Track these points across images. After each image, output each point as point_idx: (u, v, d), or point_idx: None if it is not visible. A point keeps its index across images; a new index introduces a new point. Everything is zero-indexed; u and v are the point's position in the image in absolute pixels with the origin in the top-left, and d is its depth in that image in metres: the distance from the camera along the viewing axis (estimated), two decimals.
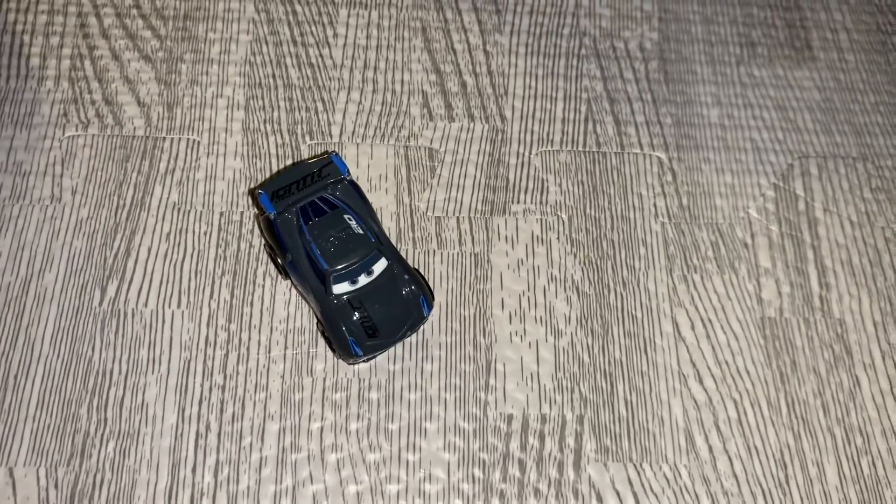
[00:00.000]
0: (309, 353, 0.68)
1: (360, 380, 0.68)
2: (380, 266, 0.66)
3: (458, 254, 0.73)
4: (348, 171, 0.68)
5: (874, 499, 0.67)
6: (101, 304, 0.69)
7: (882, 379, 0.71)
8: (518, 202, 0.76)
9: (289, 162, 0.75)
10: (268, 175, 0.75)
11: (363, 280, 0.65)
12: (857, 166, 0.80)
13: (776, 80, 0.84)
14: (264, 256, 0.72)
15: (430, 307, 0.67)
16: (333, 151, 0.69)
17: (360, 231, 0.65)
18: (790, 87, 0.83)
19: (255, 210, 0.73)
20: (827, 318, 0.73)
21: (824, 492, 0.67)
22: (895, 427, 0.69)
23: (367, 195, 0.74)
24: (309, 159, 0.69)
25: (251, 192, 0.73)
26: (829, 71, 0.85)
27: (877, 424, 0.69)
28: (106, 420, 0.65)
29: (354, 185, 0.68)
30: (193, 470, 0.64)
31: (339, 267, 0.64)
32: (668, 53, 0.84)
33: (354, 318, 0.65)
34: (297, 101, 0.78)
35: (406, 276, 0.66)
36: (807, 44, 0.86)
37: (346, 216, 0.66)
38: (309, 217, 0.65)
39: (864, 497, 0.67)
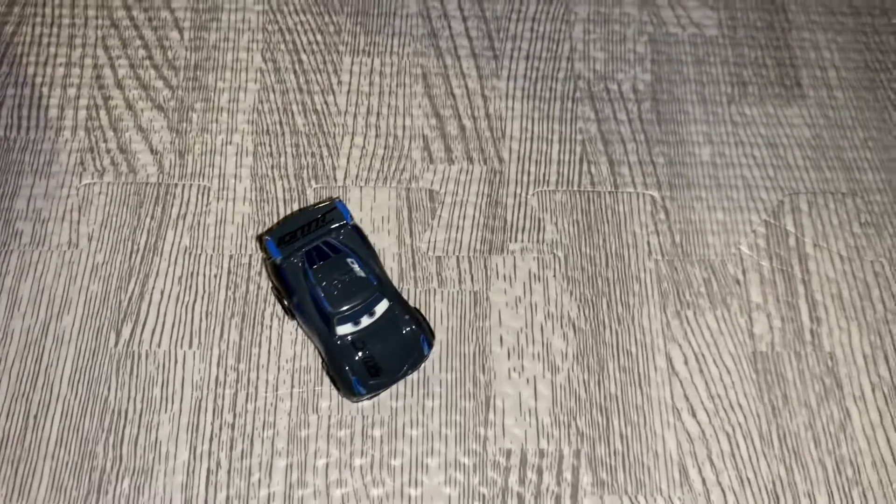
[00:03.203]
0: (314, 391, 0.71)
1: (363, 417, 0.71)
2: (381, 307, 0.69)
3: (457, 292, 0.76)
4: (351, 216, 0.71)
5: None
6: (116, 345, 0.72)
7: (872, 411, 0.73)
8: (516, 241, 0.78)
9: (295, 206, 0.79)
10: (275, 219, 0.78)
11: (365, 321, 0.68)
12: (847, 202, 0.82)
13: (767, 118, 0.86)
14: (272, 298, 0.75)
15: (431, 346, 0.70)
16: (337, 198, 0.72)
17: (363, 274, 0.68)
18: (780, 125, 0.86)
19: (263, 254, 0.76)
20: (818, 351, 0.75)
21: None
22: (885, 458, 0.71)
23: (370, 236, 0.77)
24: (314, 205, 0.72)
25: (259, 239, 0.77)
26: (819, 108, 0.87)
27: (867, 456, 0.71)
28: (121, 457, 0.68)
29: (357, 230, 0.71)
30: None
31: (343, 309, 0.67)
32: (661, 94, 0.87)
33: (357, 357, 0.68)
34: (304, 147, 0.82)
35: (406, 317, 0.69)
36: (797, 82, 0.88)
37: (349, 260, 0.69)
38: (314, 261, 0.68)
39: None
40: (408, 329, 0.69)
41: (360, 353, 0.68)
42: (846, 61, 0.90)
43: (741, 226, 0.80)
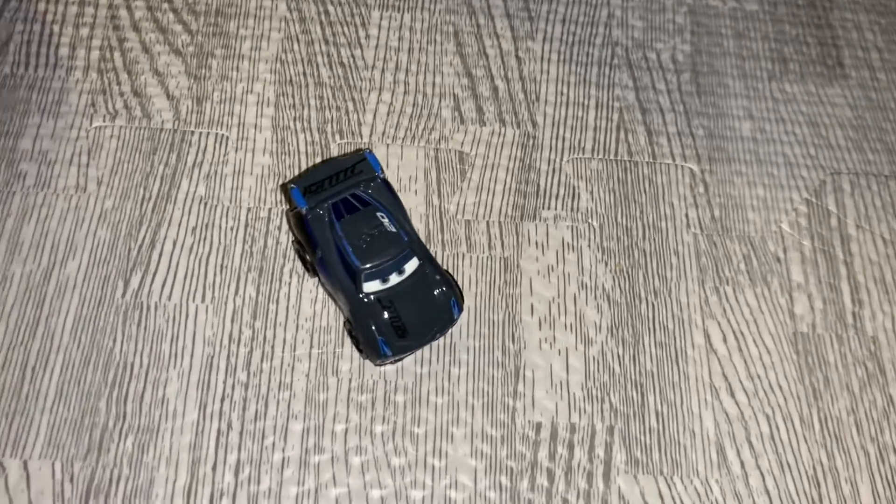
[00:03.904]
0: (335, 352, 0.67)
1: (385, 382, 0.66)
2: (411, 265, 0.65)
3: (487, 258, 0.72)
4: (382, 169, 0.67)
5: None
6: (123, 295, 0.68)
7: None
8: (549, 208, 0.75)
9: (318, 160, 0.75)
10: (297, 172, 0.74)
11: (394, 279, 0.64)
12: (890, 184, 0.79)
13: (808, 96, 0.83)
14: (291, 254, 0.70)
15: (461, 310, 0.66)
16: (367, 149, 0.68)
17: (393, 229, 0.64)
18: (822, 104, 0.83)
19: (285, 206, 0.72)
20: (860, 335, 0.72)
21: None
22: None
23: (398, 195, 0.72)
24: (342, 156, 0.68)
25: (283, 187, 0.72)
26: (861, 89, 0.84)
27: None
28: (125, 414, 0.64)
29: (387, 184, 0.67)
30: (214, 468, 0.62)
31: (371, 265, 0.63)
32: (700, 66, 0.83)
33: (384, 317, 0.63)
34: (328, 100, 0.77)
35: (437, 277, 0.65)
36: (838, 62, 0.86)
37: (378, 214, 0.65)
38: (341, 214, 0.64)
39: None
40: (438, 290, 0.65)
41: (387, 313, 0.64)
42: (889, 43, 0.87)
43: (782, 203, 0.77)
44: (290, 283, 0.69)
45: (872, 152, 0.81)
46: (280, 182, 0.73)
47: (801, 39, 0.87)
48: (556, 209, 0.75)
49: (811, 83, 0.84)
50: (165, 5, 0.81)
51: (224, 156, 0.74)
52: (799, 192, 0.78)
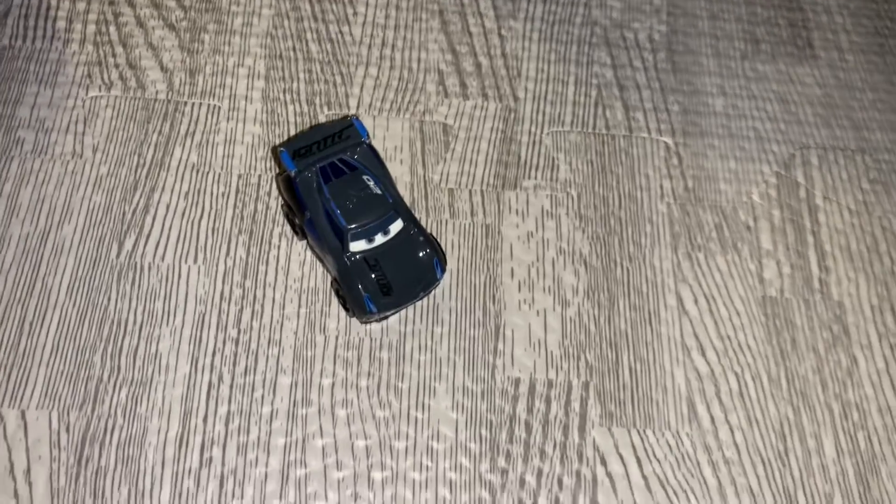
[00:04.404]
0: (322, 311, 0.70)
1: (371, 339, 0.69)
2: (396, 226, 0.67)
3: (469, 224, 0.75)
4: (368, 134, 0.70)
5: (870, 472, 0.68)
6: (118, 256, 0.70)
7: (878, 359, 0.73)
8: (529, 178, 0.78)
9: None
10: (288, 138, 0.76)
11: (380, 239, 0.67)
12: (856, 158, 0.83)
13: (779, 74, 0.87)
14: (281, 218, 0.73)
15: (444, 270, 0.69)
16: (354, 115, 0.71)
17: (378, 191, 0.67)
18: (792, 83, 0.86)
19: (275, 172, 0.75)
20: (826, 300, 0.75)
21: (822, 464, 0.68)
22: (891, 404, 0.71)
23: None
24: (330, 122, 0.71)
25: (273, 151, 0.75)
26: (830, 69, 0.88)
27: (873, 402, 0.71)
28: (119, 368, 0.66)
29: (373, 149, 0.70)
30: (205, 419, 0.65)
31: (357, 225, 0.66)
32: (676, 45, 0.87)
33: (370, 276, 0.66)
34: (317, 74, 0.80)
35: (421, 239, 0.68)
36: (808, 43, 0.89)
37: (364, 177, 0.67)
38: (329, 177, 0.67)
39: (860, 470, 0.68)
40: (423, 251, 0.68)
41: (373, 272, 0.66)
42: (857, 26, 0.91)
43: (753, 175, 0.80)
44: (279, 246, 0.72)
45: (840, 128, 0.84)
46: (269, 151, 0.76)
47: (773, 21, 0.90)
48: (536, 179, 0.78)
49: (782, 63, 0.87)
50: None
51: (216, 125, 0.77)
52: (769, 165, 0.81)
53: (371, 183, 0.67)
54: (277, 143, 0.76)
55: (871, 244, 0.78)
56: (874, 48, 0.90)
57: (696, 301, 0.74)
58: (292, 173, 0.67)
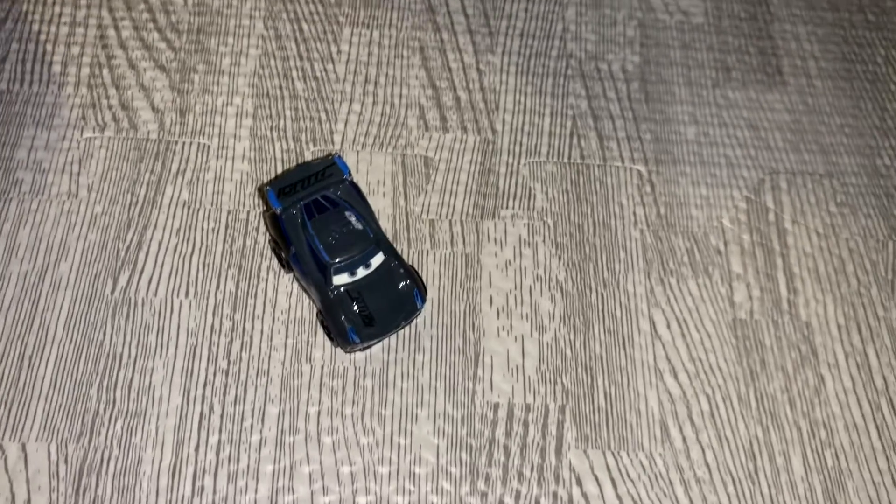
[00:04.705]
0: (308, 341, 0.73)
1: (355, 368, 0.72)
2: (377, 260, 0.70)
3: (450, 254, 0.78)
4: (350, 172, 0.73)
5: (837, 488, 0.71)
6: (113, 292, 0.73)
7: (845, 377, 0.76)
8: (507, 208, 0.81)
9: (293, 165, 0.80)
10: (273, 177, 0.80)
11: (361, 272, 0.70)
12: (824, 182, 0.86)
13: (749, 102, 0.90)
14: (268, 252, 0.76)
15: (424, 300, 0.72)
16: (337, 153, 0.74)
17: (360, 227, 0.70)
18: (762, 109, 0.89)
19: (263, 209, 0.78)
20: (794, 320, 0.78)
21: (790, 481, 0.71)
22: (857, 422, 0.74)
23: (366, 197, 0.78)
24: (314, 160, 0.74)
25: (259, 190, 0.78)
26: (799, 95, 0.91)
27: (840, 419, 0.74)
28: (114, 400, 0.69)
29: (355, 186, 0.73)
30: (196, 448, 0.68)
31: (340, 259, 0.69)
32: (649, 75, 0.90)
33: (353, 307, 0.69)
34: (302, 111, 0.84)
35: (401, 271, 0.71)
36: (778, 70, 0.92)
37: (346, 213, 0.71)
38: (312, 213, 0.70)
39: (828, 486, 0.71)
40: (403, 283, 0.71)
41: (355, 304, 0.69)
42: (825, 52, 0.94)
43: (723, 201, 0.83)
44: (266, 279, 0.75)
45: (808, 153, 0.87)
46: (258, 186, 0.79)
47: (744, 49, 0.93)
48: (513, 208, 0.81)
49: (752, 90, 0.91)
50: (150, 24, 0.87)
51: (206, 163, 0.80)
52: (739, 190, 0.84)
53: (353, 219, 0.71)
54: (265, 179, 0.80)
55: (838, 266, 0.81)
56: (841, 73, 0.93)
57: (668, 325, 0.77)
58: (278, 211, 0.70)
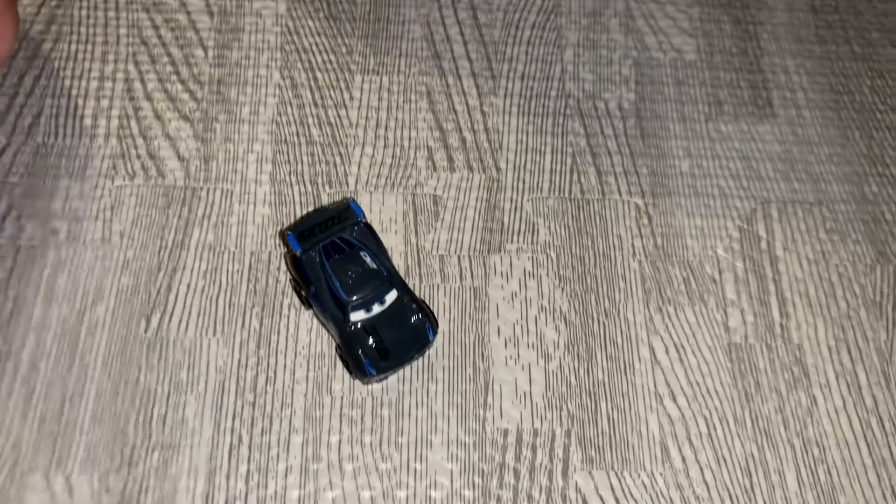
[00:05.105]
0: (328, 374, 0.78)
1: (373, 398, 0.77)
2: (391, 297, 0.76)
3: (459, 288, 0.83)
4: (364, 214, 0.78)
5: (830, 503, 0.75)
6: (146, 332, 0.79)
7: (836, 397, 0.80)
8: (512, 242, 0.86)
9: (311, 208, 0.86)
10: (293, 219, 0.85)
11: (377, 309, 0.75)
12: (814, 210, 0.90)
13: (741, 134, 0.94)
14: (290, 290, 0.81)
15: (435, 333, 0.77)
16: (351, 198, 0.79)
17: (374, 266, 0.75)
18: (753, 141, 0.94)
19: (283, 249, 0.83)
20: (787, 343, 0.82)
21: (785, 497, 0.75)
22: (848, 439, 0.78)
23: (380, 235, 0.84)
24: (330, 205, 0.79)
25: (281, 234, 0.84)
26: (789, 126, 0.95)
27: (832, 437, 0.78)
28: (151, 434, 0.74)
29: (369, 227, 0.78)
30: (227, 477, 0.73)
31: (356, 297, 0.74)
32: (644, 112, 0.95)
33: (369, 342, 0.74)
34: (318, 156, 0.89)
35: (413, 306, 0.76)
36: (768, 102, 0.97)
37: (362, 253, 0.76)
38: (330, 255, 0.76)
39: (821, 502, 0.75)
40: (415, 317, 0.76)
41: (371, 338, 0.74)
42: (813, 84, 0.98)
43: (717, 231, 0.88)
44: (288, 316, 0.80)
45: (798, 182, 0.92)
46: (279, 229, 0.85)
47: (735, 84, 0.98)
48: (518, 243, 0.86)
49: (744, 122, 0.95)
50: (174, 77, 0.93)
51: (229, 208, 0.85)
52: (732, 220, 0.89)
53: (368, 259, 0.76)
54: (285, 221, 0.85)
55: (828, 290, 0.86)
56: (830, 104, 0.97)
57: (667, 351, 0.81)
58: (298, 253, 0.76)
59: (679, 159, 0.92)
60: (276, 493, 0.73)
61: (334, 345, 0.79)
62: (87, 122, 0.89)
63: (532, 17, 1.00)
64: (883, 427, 0.79)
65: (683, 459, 0.76)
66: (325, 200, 0.86)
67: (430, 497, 0.73)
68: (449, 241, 0.85)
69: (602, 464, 0.75)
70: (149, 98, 0.91)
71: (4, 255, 0.81)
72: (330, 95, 0.93)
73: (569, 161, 0.91)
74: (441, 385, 0.78)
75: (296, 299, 0.81)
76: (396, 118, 0.92)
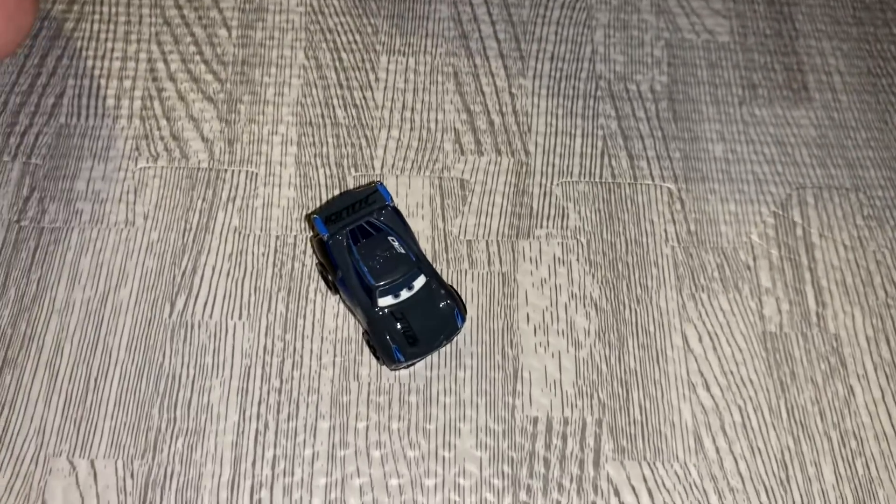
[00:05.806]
0: (355, 360, 0.76)
1: (400, 384, 0.76)
2: (419, 282, 0.74)
3: (487, 273, 0.81)
4: (392, 198, 0.77)
5: (868, 497, 0.73)
6: (170, 316, 0.78)
7: (874, 388, 0.78)
8: (541, 227, 0.84)
9: (337, 191, 0.84)
10: (318, 203, 0.84)
11: (405, 294, 0.74)
12: (850, 196, 0.88)
13: (775, 118, 0.92)
14: (316, 274, 0.80)
15: (464, 319, 0.75)
16: (379, 181, 0.78)
17: (403, 251, 0.74)
18: (788, 125, 0.92)
19: (310, 233, 0.82)
20: (823, 333, 0.80)
21: (822, 490, 0.74)
22: (887, 432, 0.76)
23: (407, 220, 0.82)
24: (357, 188, 0.78)
25: (307, 217, 0.82)
26: (825, 110, 0.93)
27: (870, 429, 0.76)
28: (175, 419, 0.73)
29: (397, 211, 0.76)
30: (253, 463, 0.72)
31: (384, 282, 0.73)
32: (677, 94, 0.93)
33: (397, 328, 0.73)
34: (344, 138, 0.87)
35: (442, 292, 0.75)
36: (804, 85, 0.94)
37: (390, 238, 0.74)
38: (358, 239, 0.74)
39: (859, 495, 0.73)
40: (443, 303, 0.74)
41: (399, 324, 0.73)
42: (850, 67, 0.96)
43: (752, 217, 0.86)
44: (315, 301, 0.79)
45: (834, 167, 0.90)
46: (304, 212, 0.83)
47: (769, 66, 0.96)
48: (547, 228, 0.84)
49: (778, 106, 0.93)
50: (197, 57, 0.91)
51: (254, 190, 0.84)
52: (767, 206, 0.87)
53: (396, 243, 0.74)
54: (310, 204, 0.84)
55: (865, 278, 0.83)
56: (867, 87, 0.95)
57: (700, 339, 0.79)
58: (325, 237, 0.74)
59: (712, 143, 0.90)
60: (302, 480, 0.71)
61: (361, 330, 0.77)
62: (110, 102, 0.88)
63: None
64: None
65: (717, 450, 0.75)
66: (350, 183, 0.85)
67: (458, 485, 0.72)
68: (477, 226, 0.84)
69: (634, 453, 0.74)
70: (172, 79, 0.90)
71: (27, 237, 0.80)
72: (355, 76, 0.91)
73: (599, 144, 0.89)
74: (469, 372, 0.77)
75: (322, 284, 0.80)
76: (423, 100, 0.90)
